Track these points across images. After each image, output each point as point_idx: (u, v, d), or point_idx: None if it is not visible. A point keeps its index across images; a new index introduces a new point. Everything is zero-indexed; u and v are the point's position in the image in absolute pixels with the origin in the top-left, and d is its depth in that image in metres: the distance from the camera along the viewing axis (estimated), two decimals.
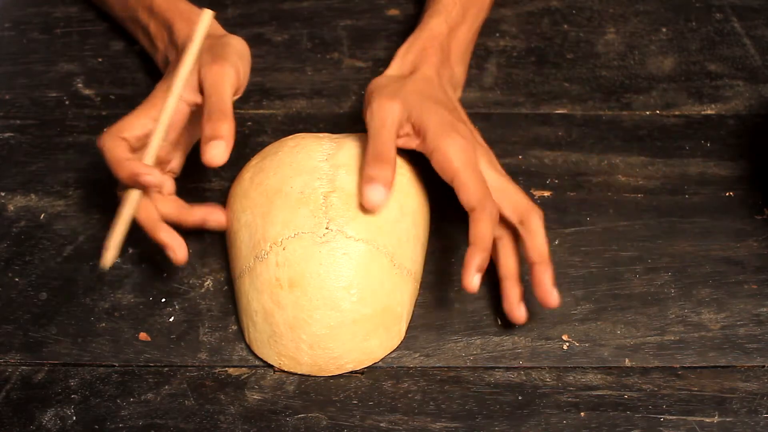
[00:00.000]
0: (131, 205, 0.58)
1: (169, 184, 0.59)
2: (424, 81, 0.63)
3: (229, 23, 0.80)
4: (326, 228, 0.57)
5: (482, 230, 0.56)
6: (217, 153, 0.56)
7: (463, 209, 0.57)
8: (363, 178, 0.58)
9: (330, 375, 0.57)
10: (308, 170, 0.60)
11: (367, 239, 0.58)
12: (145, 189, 0.58)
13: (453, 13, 0.69)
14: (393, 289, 0.58)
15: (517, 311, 0.58)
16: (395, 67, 0.66)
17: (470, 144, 0.59)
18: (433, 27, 0.67)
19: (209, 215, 0.61)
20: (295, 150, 0.62)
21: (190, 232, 0.63)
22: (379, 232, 0.58)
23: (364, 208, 0.58)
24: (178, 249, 0.59)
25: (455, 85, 0.69)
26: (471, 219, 0.57)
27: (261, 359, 0.58)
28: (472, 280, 0.56)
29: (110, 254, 0.57)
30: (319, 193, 0.59)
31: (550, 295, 0.57)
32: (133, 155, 0.59)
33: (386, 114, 0.59)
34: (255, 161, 0.63)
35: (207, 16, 0.61)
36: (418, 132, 0.60)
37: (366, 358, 0.58)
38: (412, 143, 0.60)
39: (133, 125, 0.59)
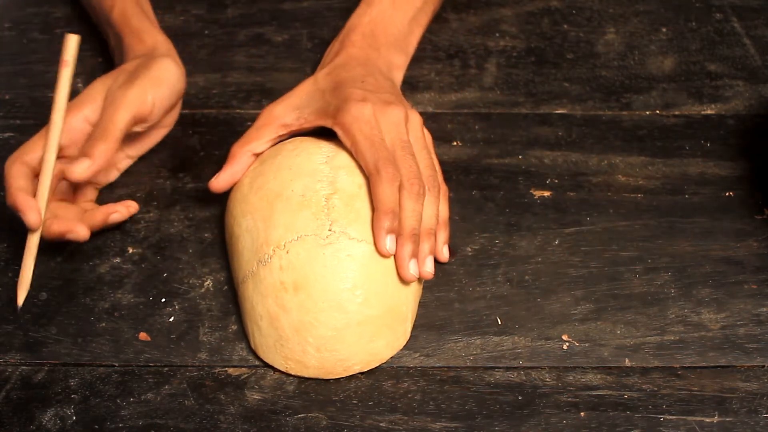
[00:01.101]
0: (35, 242, 0.59)
1: (37, 226, 0.59)
2: (338, 67, 0.67)
3: (229, 23, 0.80)
4: (329, 230, 0.57)
5: (380, 193, 0.58)
6: (78, 169, 0.59)
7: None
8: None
9: (336, 377, 0.57)
10: (308, 173, 0.60)
11: (370, 240, 0.58)
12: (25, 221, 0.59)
13: (382, 5, 0.72)
14: (397, 289, 0.58)
15: (405, 270, 0.58)
16: (325, 61, 0.70)
17: (367, 109, 0.61)
18: (354, 17, 0.71)
19: (108, 214, 0.63)
20: (294, 153, 0.62)
21: (190, 237, 0.63)
22: None
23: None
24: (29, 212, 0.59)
25: (389, 67, 0.70)
26: (371, 185, 0.59)
27: (263, 360, 0.58)
28: (386, 244, 0.57)
29: (22, 295, 0.59)
30: (320, 195, 0.59)
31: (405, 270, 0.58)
32: (34, 180, 0.60)
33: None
34: (254, 165, 0.63)
35: (71, 41, 0.62)
36: (323, 117, 0.63)
37: (373, 359, 0.58)
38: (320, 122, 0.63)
39: (32, 148, 0.61)
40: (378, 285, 0.57)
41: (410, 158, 0.60)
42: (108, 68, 0.76)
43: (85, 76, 0.75)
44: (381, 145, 0.60)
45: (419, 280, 0.60)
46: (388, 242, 0.57)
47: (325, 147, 0.62)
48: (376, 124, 0.60)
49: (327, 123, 0.62)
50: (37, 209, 0.59)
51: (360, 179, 0.60)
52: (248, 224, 0.60)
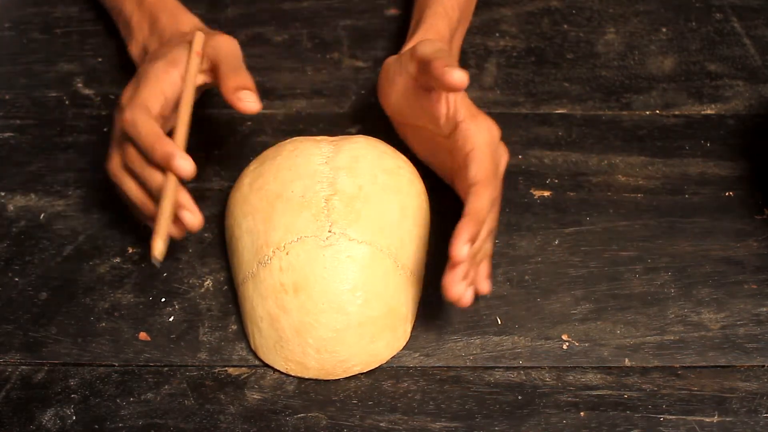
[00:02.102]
0: (172, 191, 0.57)
1: (192, 172, 0.57)
2: None
3: (229, 23, 0.80)
4: (329, 231, 0.57)
5: (480, 204, 0.55)
6: (249, 101, 0.59)
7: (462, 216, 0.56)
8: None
9: (336, 378, 0.57)
10: (308, 174, 0.60)
11: (370, 241, 0.58)
12: (174, 172, 0.57)
13: (454, 18, 0.69)
14: (397, 290, 0.58)
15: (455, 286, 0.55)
16: None
17: (496, 133, 0.60)
18: (440, 29, 0.67)
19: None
20: (294, 154, 0.62)
21: (190, 237, 0.63)
22: (381, 233, 0.58)
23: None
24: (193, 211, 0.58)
25: None
26: (472, 192, 0.56)
27: (263, 361, 0.58)
28: (462, 248, 0.53)
29: (160, 247, 0.56)
30: (320, 196, 0.59)
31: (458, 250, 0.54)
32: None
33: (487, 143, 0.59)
34: (253, 166, 0.63)
35: (199, 37, 0.63)
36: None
37: (373, 359, 0.58)
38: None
39: (154, 99, 0.60)
40: (378, 286, 0.57)
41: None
42: (108, 68, 0.76)
43: (84, 76, 0.75)
44: (496, 166, 0.59)
45: (425, 285, 0.61)
46: (465, 250, 0.54)
47: (324, 147, 0.62)
48: (497, 146, 0.60)
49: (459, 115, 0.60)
50: (186, 155, 0.57)
51: (360, 180, 0.60)
52: (248, 225, 0.60)
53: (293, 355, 0.57)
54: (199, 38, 0.63)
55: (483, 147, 0.58)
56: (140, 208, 0.60)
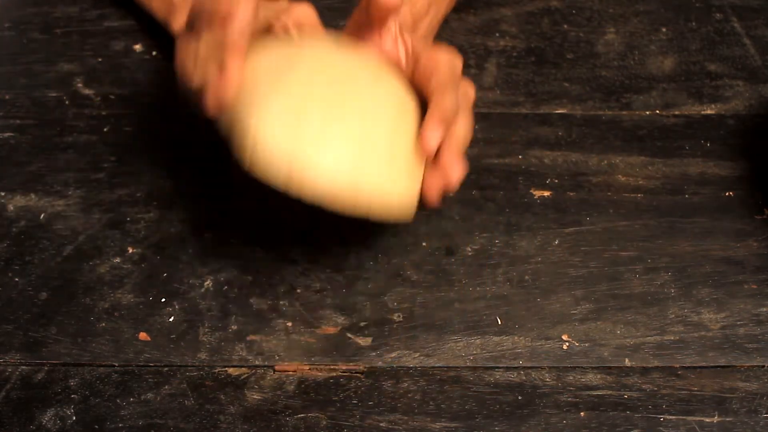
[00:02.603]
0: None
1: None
2: None
3: None
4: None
5: (447, 102, 0.56)
6: None
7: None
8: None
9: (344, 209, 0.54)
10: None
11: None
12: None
13: (418, 4, 0.69)
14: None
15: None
16: None
17: (458, 65, 0.60)
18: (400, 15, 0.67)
19: None
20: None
21: (190, 237, 0.63)
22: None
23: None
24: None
25: None
26: (435, 93, 0.57)
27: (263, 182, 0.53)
28: (433, 134, 0.55)
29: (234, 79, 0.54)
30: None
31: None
32: None
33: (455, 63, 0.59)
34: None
35: None
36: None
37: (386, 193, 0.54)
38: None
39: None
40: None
41: None
42: (108, 68, 0.76)
43: (84, 76, 0.75)
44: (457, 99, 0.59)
45: (424, 287, 0.60)
46: (436, 136, 0.56)
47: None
48: (458, 79, 0.60)
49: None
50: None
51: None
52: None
53: (312, 131, 0.51)
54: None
55: (444, 83, 0.58)
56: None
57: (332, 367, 0.58)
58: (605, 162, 0.70)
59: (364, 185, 0.52)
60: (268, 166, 0.51)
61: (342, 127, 0.52)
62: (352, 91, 0.55)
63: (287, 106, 0.52)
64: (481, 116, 0.72)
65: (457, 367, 0.58)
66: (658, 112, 0.73)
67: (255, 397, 0.57)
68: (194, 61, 0.56)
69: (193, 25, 0.57)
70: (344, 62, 0.56)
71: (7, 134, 0.71)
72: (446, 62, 0.59)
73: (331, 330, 0.60)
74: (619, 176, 0.69)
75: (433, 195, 0.57)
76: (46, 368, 0.58)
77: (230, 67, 0.53)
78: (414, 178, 0.56)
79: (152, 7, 0.74)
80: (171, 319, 0.60)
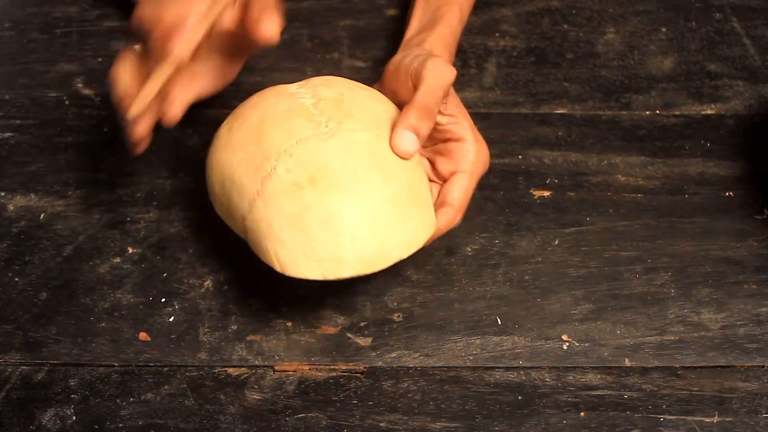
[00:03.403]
0: (164, 75, 0.57)
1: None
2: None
3: None
4: (326, 126, 0.56)
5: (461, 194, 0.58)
6: (268, 27, 0.57)
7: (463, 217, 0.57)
8: (402, 122, 0.57)
9: (378, 271, 0.54)
10: (287, 95, 0.58)
11: (370, 129, 0.56)
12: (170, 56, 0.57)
13: (465, 15, 0.70)
14: (411, 168, 0.57)
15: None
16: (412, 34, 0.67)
17: (487, 163, 0.61)
18: (451, 21, 0.67)
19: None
20: (267, 92, 0.60)
21: (190, 237, 0.63)
22: (377, 124, 0.57)
23: (392, 148, 0.57)
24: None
25: None
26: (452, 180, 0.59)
27: (292, 276, 0.55)
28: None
29: (137, 107, 0.56)
30: (306, 104, 0.57)
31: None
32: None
33: (445, 74, 0.59)
34: (227, 120, 0.61)
35: None
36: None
37: (409, 242, 0.55)
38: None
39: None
40: (393, 163, 0.56)
41: None
42: (108, 68, 0.75)
43: (84, 76, 0.75)
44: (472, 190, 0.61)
45: (423, 287, 0.60)
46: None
47: (294, 84, 0.61)
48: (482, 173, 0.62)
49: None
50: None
51: (340, 90, 0.58)
52: (239, 156, 0.57)
53: (327, 252, 0.53)
54: None
55: (472, 173, 0.59)
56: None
57: (332, 367, 0.58)
58: (605, 162, 0.70)
59: (391, 252, 0.55)
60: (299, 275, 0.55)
61: (356, 204, 0.55)
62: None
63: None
64: (481, 116, 0.72)
65: (457, 367, 0.58)
66: (657, 112, 0.73)
67: (255, 397, 0.57)
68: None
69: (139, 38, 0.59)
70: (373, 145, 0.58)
71: (7, 134, 0.71)
72: (481, 161, 0.60)
73: (331, 330, 0.60)
74: (619, 176, 0.69)
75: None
76: (46, 368, 0.58)
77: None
78: (427, 207, 0.57)
79: None
80: (171, 319, 0.60)
